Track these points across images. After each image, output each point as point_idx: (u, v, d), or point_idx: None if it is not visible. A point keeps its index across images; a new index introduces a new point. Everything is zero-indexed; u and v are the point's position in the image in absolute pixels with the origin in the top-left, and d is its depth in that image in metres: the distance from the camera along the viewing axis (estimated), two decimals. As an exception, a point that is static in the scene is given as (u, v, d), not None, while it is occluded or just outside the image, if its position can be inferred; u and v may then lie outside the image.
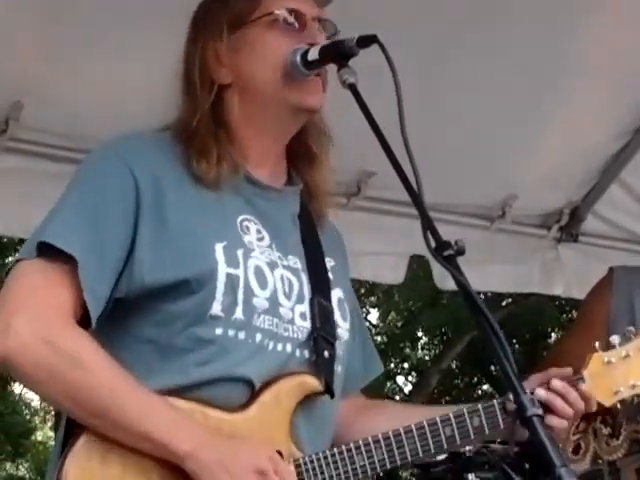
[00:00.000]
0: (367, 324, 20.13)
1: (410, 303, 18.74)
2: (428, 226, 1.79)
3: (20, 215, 3.94)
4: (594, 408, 2.27)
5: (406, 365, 20.96)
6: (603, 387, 2.36)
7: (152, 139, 2.14)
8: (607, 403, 2.37)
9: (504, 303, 16.82)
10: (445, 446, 2.14)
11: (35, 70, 3.66)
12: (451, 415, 2.15)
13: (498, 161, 4.54)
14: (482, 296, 14.21)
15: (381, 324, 20.77)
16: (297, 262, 2.17)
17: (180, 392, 1.98)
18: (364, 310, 20.89)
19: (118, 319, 2.02)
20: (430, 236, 1.78)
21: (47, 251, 1.96)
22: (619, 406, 2.40)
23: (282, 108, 2.14)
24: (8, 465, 20.69)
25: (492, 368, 18.06)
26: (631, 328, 2.44)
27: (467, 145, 4.41)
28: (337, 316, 2.19)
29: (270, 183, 2.19)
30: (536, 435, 1.57)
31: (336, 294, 2.22)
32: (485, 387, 18.97)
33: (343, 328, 2.20)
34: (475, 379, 19.20)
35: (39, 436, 23.32)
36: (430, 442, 2.13)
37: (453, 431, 2.14)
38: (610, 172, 4.77)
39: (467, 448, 4.90)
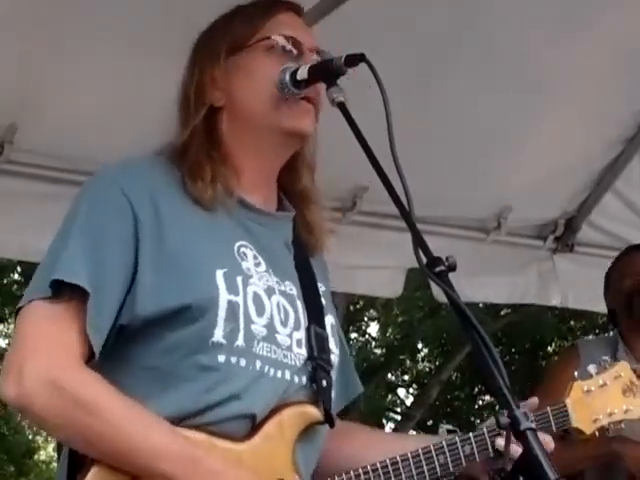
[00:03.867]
0: (367, 336, 20.03)
1: (409, 315, 18.73)
2: (419, 242, 1.79)
3: (18, 237, 3.96)
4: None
5: (407, 377, 20.94)
6: (583, 415, 2.45)
7: (148, 164, 2.15)
8: (587, 431, 2.47)
9: (503, 312, 16.83)
10: (439, 473, 2.20)
11: (29, 92, 3.68)
12: (444, 443, 2.22)
13: (493, 173, 4.56)
14: (480, 305, 14.24)
15: (381, 337, 20.76)
16: (293, 288, 2.17)
17: (184, 419, 1.98)
18: (364, 323, 20.90)
19: (120, 348, 2.02)
20: (421, 252, 1.78)
21: (57, 288, 1.96)
22: (597, 433, 2.48)
23: (273, 132, 2.15)
24: (12, 485, 20.67)
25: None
26: (606, 358, 2.56)
27: (462, 158, 4.42)
28: (331, 343, 2.20)
29: (263, 207, 2.20)
30: (530, 449, 1.57)
31: (329, 320, 2.23)
32: (486, 398, 18.94)
33: (335, 354, 2.22)
34: (476, 390, 19.18)
35: (42, 456, 23.30)
36: (425, 470, 2.19)
37: (446, 459, 2.21)
38: (604, 182, 4.79)
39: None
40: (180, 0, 3.35)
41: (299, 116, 2.14)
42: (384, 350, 20.21)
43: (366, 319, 20.86)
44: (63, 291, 1.96)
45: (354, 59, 1.99)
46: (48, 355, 1.94)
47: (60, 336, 1.95)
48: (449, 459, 2.22)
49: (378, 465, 2.15)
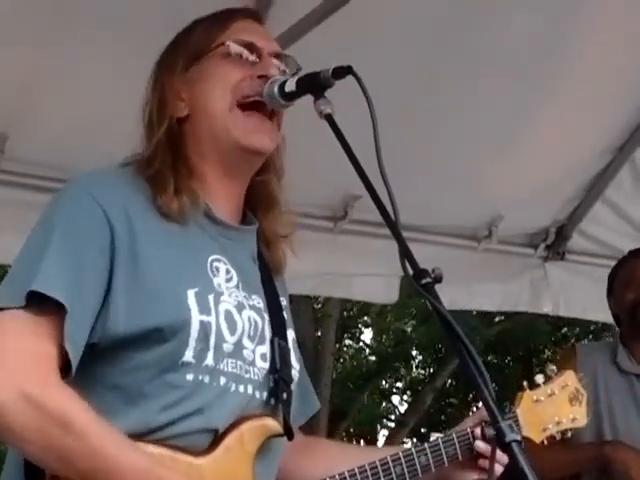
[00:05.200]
0: (361, 344, 20.05)
1: (403, 322, 18.76)
2: (405, 254, 1.80)
3: (7, 244, 3.94)
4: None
5: (401, 384, 20.95)
6: (533, 424, 2.52)
7: (119, 176, 2.12)
8: (537, 439, 2.52)
9: (496, 320, 16.86)
10: None
11: (19, 102, 3.68)
12: (400, 454, 2.27)
13: (483, 182, 4.57)
14: (474, 312, 14.25)
15: (375, 344, 20.77)
16: (260, 302, 2.17)
17: (146, 435, 1.97)
18: (357, 330, 20.89)
19: (87, 366, 1.97)
20: (407, 264, 1.79)
21: (31, 299, 1.92)
22: (545, 442, 2.54)
23: (229, 143, 2.13)
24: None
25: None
26: (553, 367, 2.63)
27: (453, 167, 4.43)
28: (292, 357, 2.20)
29: (230, 221, 2.19)
30: (516, 461, 1.57)
31: (291, 334, 2.23)
32: (480, 405, 18.95)
33: (296, 369, 2.21)
34: (470, 396, 19.20)
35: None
36: None
37: (403, 469, 2.26)
38: (595, 190, 4.81)
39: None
40: (182, 8, 3.37)
41: (252, 130, 2.13)
42: (378, 357, 20.22)
43: (360, 326, 20.87)
44: (39, 302, 1.91)
45: (341, 71, 1.99)
46: (24, 368, 1.89)
47: (37, 349, 1.90)
48: (405, 470, 2.27)
49: (337, 478, 2.18)
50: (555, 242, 4.99)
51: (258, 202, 2.26)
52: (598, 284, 4.85)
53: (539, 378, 2.55)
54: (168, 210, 2.06)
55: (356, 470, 2.19)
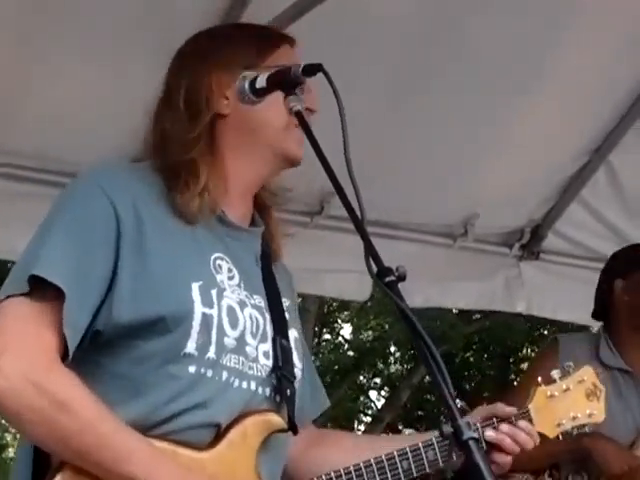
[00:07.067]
0: (339, 338, 20.01)
1: (382, 318, 18.77)
2: (370, 252, 1.82)
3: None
4: (537, 441, 2.40)
5: (378, 380, 20.96)
6: (547, 420, 2.50)
7: (131, 170, 2.16)
8: (551, 435, 2.51)
9: (475, 317, 16.90)
10: (403, 479, 2.26)
11: (6, 93, 3.68)
12: (408, 449, 2.27)
13: (460, 180, 4.59)
14: (456, 311, 14.28)
15: (353, 339, 20.77)
16: (261, 301, 2.21)
17: (148, 430, 2.00)
18: (337, 325, 20.91)
19: (92, 354, 2.03)
20: (372, 261, 1.81)
21: (35, 284, 1.97)
22: (560, 437, 2.53)
23: (273, 152, 2.20)
24: (-21, 482, 20.53)
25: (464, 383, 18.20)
26: (570, 363, 2.60)
27: (429, 165, 4.45)
28: (295, 356, 2.24)
29: (240, 223, 2.23)
30: (472, 458, 1.59)
31: (292, 334, 2.27)
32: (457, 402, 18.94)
33: (299, 367, 2.25)
34: (447, 394, 19.20)
35: (10, 453, 23.19)
36: (389, 476, 2.24)
37: (410, 464, 2.27)
38: (570, 191, 4.83)
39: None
40: (164, 4, 3.38)
41: (298, 143, 2.18)
42: (357, 352, 20.22)
43: (339, 321, 20.88)
44: (42, 288, 1.96)
45: (312, 69, 2.00)
46: (27, 353, 1.95)
47: (38, 334, 1.96)
48: (412, 465, 2.27)
49: (342, 472, 2.19)
50: (530, 242, 5.00)
51: (261, 200, 2.31)
52: (572, 284, 4.90)
53: (555, 373, 2.54)
54: (185, 209, 2.11)
55: (362, 465, 2.21)
